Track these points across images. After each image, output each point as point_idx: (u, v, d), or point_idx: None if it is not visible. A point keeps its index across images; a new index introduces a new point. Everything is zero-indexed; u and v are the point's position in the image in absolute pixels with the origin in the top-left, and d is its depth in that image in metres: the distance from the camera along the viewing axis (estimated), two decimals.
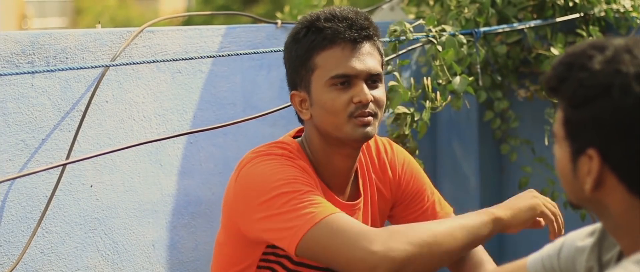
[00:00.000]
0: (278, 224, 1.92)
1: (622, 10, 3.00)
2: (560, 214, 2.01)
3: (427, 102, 2.60)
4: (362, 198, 2.17)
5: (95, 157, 2.33)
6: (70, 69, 2.22)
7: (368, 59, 2.03)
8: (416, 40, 2.66)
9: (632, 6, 3.00)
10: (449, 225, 1.88)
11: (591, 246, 1.56)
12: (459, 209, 3.30)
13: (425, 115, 2.59)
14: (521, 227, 1.95)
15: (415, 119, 2.61)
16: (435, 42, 2.64)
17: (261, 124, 2.69)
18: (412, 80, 2.68)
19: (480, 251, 2.14)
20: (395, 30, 2.62)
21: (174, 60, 2.44)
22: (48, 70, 2.18)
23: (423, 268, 1.84)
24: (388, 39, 2.61)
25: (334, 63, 2.01)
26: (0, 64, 2.20)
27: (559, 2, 3.02)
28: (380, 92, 2.05)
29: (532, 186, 3.18)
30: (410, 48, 2.70)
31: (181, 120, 2.54)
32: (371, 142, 2.21)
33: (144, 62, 2.35)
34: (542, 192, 3.09)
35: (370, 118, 2.02)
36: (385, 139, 2.28)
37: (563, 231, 1.99)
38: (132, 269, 2.47)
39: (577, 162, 1.38)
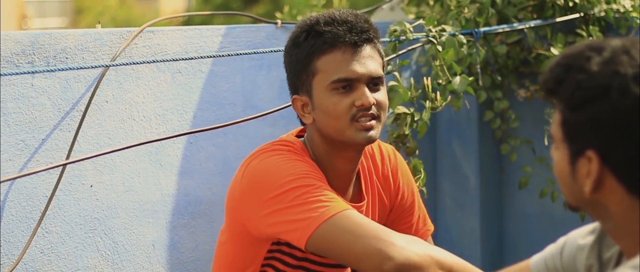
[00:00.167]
0: (289, 217, 1.91)
1: (622, 10, 3.00)
2: None
3: (427, 102, 2.60)
4: (365, 201, 2.17)
5: (95, 157, 2.32)
6: (70, 69, 2.22)
7: (369, 62, 2.02)
8: (416, 40, 2.66)
9: (632, 6, 3.00)
10: (467, 269, 1.88)
11: (591, 243, 1.56)
12: (459, 209, 3.31)
13: (425, 115, 2.59)
14: None
15: (415, 119, 2.61)
16: (435, 42, 2.64)
17: (261, 124, 2.69)
18: (412, 80, 2.68)
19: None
20: (395, 31, 2.61)
21: (174, 60, 2.44)
22: (48, 70, 2.18)
23: None
24: (388, 39, 2.61)
25: (335, 67, 2.00)
26: (0, 64, 2.20)
27: (559, 2, 3.01)
28: (382, 95, 2.04)
29: (532, 186, 3.19)
30: (410, 48, 2.70)
31: (181, 120, 2.54)
32: (375, 146, 2.21)
33: (144, 62, 2.35)
34: (542, 192, 3.10)
35: (373, 122, 2.01)
36: (390, 146, 2.28)
37: None
38: (132, 269, 2.47)
39: (575, 164, 1.37)
